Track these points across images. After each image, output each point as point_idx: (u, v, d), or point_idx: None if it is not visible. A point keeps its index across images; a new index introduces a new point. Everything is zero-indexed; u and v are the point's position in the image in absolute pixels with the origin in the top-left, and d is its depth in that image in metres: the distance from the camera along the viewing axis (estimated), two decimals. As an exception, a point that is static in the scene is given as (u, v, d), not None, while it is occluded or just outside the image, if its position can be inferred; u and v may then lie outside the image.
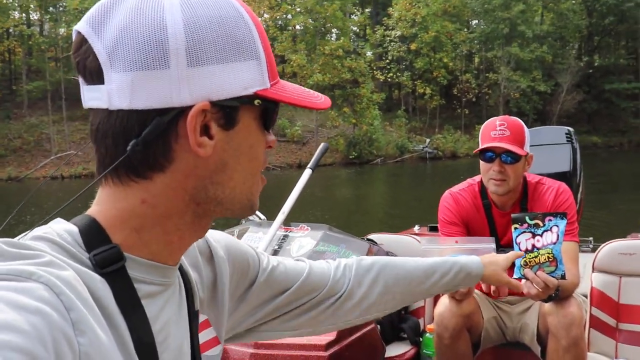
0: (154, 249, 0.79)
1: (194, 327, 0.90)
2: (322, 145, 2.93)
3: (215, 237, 1.03)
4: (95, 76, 0.73)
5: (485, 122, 2.73)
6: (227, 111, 0.75)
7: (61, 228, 0.74)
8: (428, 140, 42.06)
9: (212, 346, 0.98)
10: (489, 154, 2.59)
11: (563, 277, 2.09)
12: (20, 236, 0.73)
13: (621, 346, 2.82)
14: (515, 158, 2.55)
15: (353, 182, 26.82)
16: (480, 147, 2.60)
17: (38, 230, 0.74)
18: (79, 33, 0.74)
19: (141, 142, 0.71)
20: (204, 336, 0.96)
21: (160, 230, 0.78)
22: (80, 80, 0.76)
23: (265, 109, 0.80)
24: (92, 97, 0.75)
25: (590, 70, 50.42)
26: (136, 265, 0.77)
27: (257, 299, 1.08)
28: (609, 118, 50.44)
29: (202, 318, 0.95)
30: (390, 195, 21.55)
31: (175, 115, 0.73)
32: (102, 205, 0.78)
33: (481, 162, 2.66)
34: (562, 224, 2.06)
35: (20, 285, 0.61)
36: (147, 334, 0.75)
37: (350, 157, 36.40)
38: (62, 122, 34.90)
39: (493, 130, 2.58)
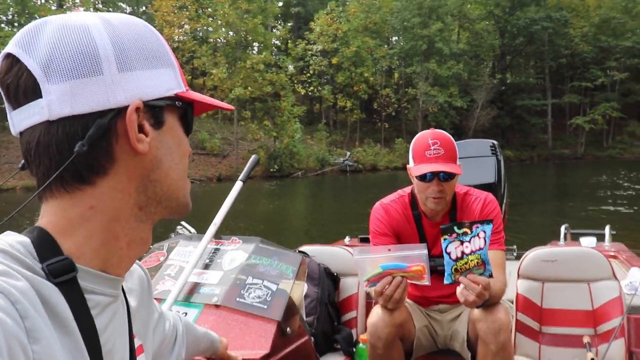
0: (105, 256, 0.82)
1: (133, 346, 0.93)
2: (253, 157, 2.88)
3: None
4: (31, 93, 0.77)
5: (416, 138, 2.71)
6: (155, 111, 0.84)
7: (13, 240, 0.77)
8: (348, 153, 42.54)
9: None
10: (428, 175, 2.60)
11: (490, 275, 2.23)
12: None
13: (544, 348, 2.99)
14: (452, 176, 2.60)
15: (275, 195, 26.54)
16: (417, 169, 2.61)
17: None
18: (7, 56, 0.78)
19: (87, 143, 0.76)
20: None
21: (110, 235, 0.82)
22: (8, 107, 0.80)
23: (185, 112, 0.90)
24: (26, 116, 0.78)
25: (503, 87, 52.74)
26: (87, 275, 0.80)
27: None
28: (521, 133, 52.90)
29: (137, 343, 0.99)
30: (313, 207, 21.40)
31: (114, 115, 0.79)
32: (51, 216, 0.80)
33: (417, 181, 2.67)
34: (489, 229, 2.18)
35: None
36: (95, 344, 0.78)
37: (271, 170, 36.09)
38: None
39: (427, 150, 2.59)
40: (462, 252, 2.18)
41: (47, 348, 0.67)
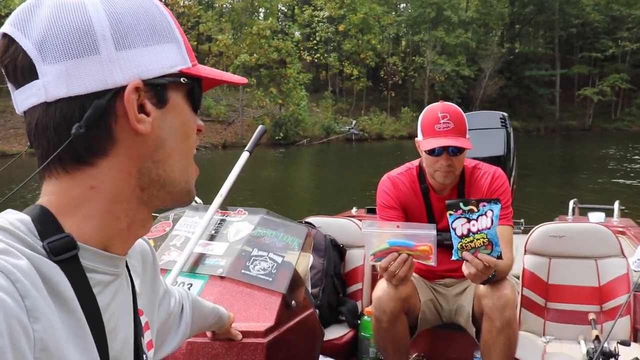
0: (105, 236, 0.81)
1: (138, 323, 0.92)
2: (260, 127, 2.85)
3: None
4: (28, 74, 0.75)
5: (425, 112, 2.68)
6: (157, 89, 0.80)
7: (13, 217, 0.75)
8: (354, 121, 42.38)
9: (149, 349, 1.00)
10: (437, 149, 2.57)
11: (499, 257, 2.18)
12: None
13: (549, 324, 2.98)
14: (462, 150, 2.58)
15: (280, 163, 26.53)
16: (427, 142, 2.58)
17: None
18: (4, 36, 0.77)
19: (84, 125, 0.74)
20: (147, 337, 1.00)
21: (111, 216, 0.80)
22: (10, 87, 0.79)
23: (192, 89, 0.86)
24: (26, 96, 0.77)
25: (511, 57, 52.12)
26: (88, 254, 0.79)
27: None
28: (528, 104, 52.51)
29: (144, 321, 0.99)
30: (319, 176, 21.36)
31: (112, 96, 0.76)
32: (52, 195, 0.79)
33: (426, 155, 2.64)
34: (497, 208, 2.13)
35: None
36: (98, 322, 0.77)
37: (277, 137, 36.03)
38: None
39: (437, 124, 2.56)
40: (469, 230, 2.15)
41: (48, 327, 0.66)
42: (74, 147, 0.76)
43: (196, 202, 3.02)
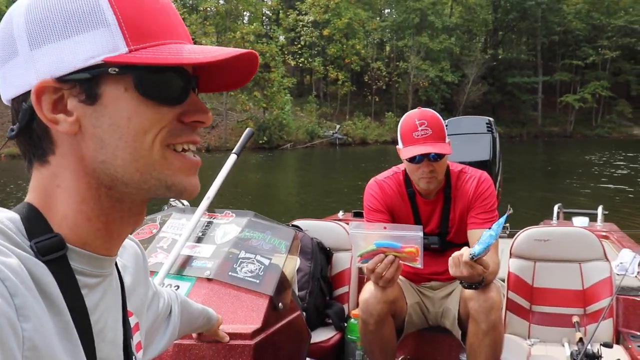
0: (84, 237, 0.78)
1: (127, 324, 0.90)
2: (247, 130, 2.87)
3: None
4: None
5: (403, 119, 2.68)
6: (83, 85, 0.73)
7: (2, 216, 0.74)
8: (338, 126, 42.45)
9: (138, 350, 1.00)
10: (417, 157, 2.57)
11: (473, 257, 2.19)
12: None
13: (533, 327, 3.01)
14: (442, 155, 2.58)
15: (264, 167, 26.44)
16: (406, 151, 2.59)
17: None
18: None
19: (17, 128, 0.75)
20: (136, 338, 0.98)
21: (82, 217, 0.77)
22: None
23: (141, 77, 0.74)
24: None
25: (495, 63, 52.54)
26: (74, 255, 0.77)
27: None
28: (511, 110, 52.95)
29: (134, 322, 0.98)
30: (303, 180, 21.32)
31: None
32: (34, 192, 0.79)
33: (407, 163, 2.65)
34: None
35: None
36: (85, 323, 0.76)
37: (260, 142, 35.94)
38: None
39: (415, 131, 2.57)
40: None
41: (37, 326, 0.66)
42: (28, 146, 0.77)
43: (183, 204, 3.01)
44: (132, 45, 0.73)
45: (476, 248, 2.18)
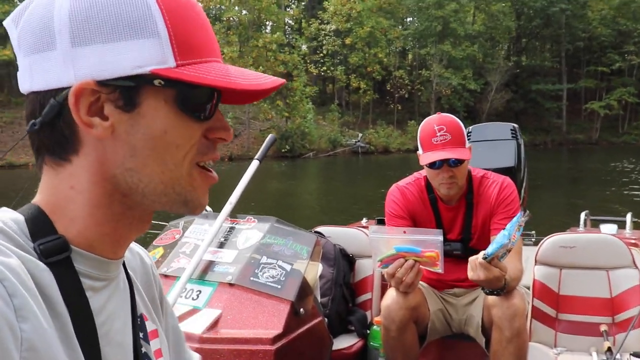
0: (91, 240, 0.77)
1: (137, 328, 0.88)
2: (270, 136, 2.88)
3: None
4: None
5: (422, 125, 2.68)
6: (124, 91, 0.72)
7: (7, 217, 0.74)
8: (360, 134, 42.43)
9: (157, 357, 0.95)
10: (437, 163, 2.56)
11: (486, 257, 2.18)
12: None
13: (560, 335, 2.95)
14: (461, 161, 2.56)
15: (286, 175, 26.56)
16: (426, 157, 2.58)
17: None
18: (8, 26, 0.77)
19: (40, 123, 0.72)
20: (154, 345, 0.94)
21: (92, 221, 0.77)
22: None
23: (182, 92, 0.74)
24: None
25: (518, 70, 52.12)
26: (80, 257, 0.76)
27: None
28: (535, 117, 52.43)
29: (151, 327, 0.94)
30: (325, 189, 21.39)
31: (67, 95, 0.71)
32: (43, 194, 0.77)
33: (427, 169, 2.65)
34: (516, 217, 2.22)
35: None
36: (89, 326, 0.75)
37: (283, 150, 36.10)
38: None
39: (434, 137, 2.56)
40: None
41: (37, 327, 0.65)
42: (45, 143, 0.75)
43: (206, 210, 3.03)
44: (179, 60, 0.73)
45: (489, 248, 2.17)
